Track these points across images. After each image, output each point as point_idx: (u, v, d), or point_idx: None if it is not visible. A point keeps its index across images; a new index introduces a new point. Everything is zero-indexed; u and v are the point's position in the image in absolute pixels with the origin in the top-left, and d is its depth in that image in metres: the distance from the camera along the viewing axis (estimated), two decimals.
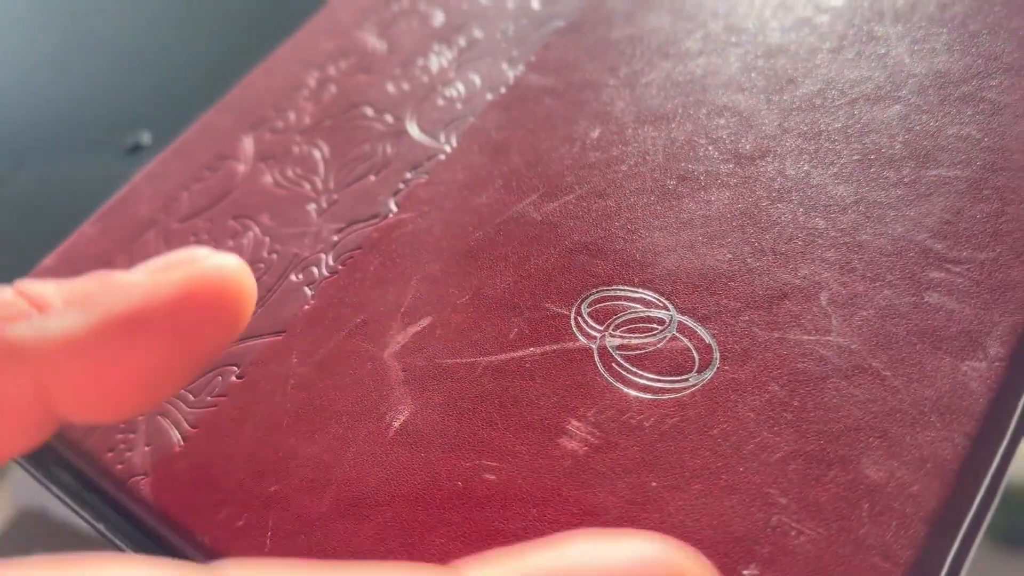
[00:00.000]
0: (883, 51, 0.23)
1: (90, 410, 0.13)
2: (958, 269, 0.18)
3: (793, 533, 0.16)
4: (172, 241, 0.24)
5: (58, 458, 0.22)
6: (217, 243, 0.24)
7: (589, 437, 0.17)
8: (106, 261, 0.24)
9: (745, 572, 0.15)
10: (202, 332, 0.14)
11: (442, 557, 0.17)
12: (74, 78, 0.34)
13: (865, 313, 0.18)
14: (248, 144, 0.26)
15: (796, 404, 0.17)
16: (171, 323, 0.13)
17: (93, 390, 0.13)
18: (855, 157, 0.20)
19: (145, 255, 0.24)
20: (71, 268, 0.25)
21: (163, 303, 0.13)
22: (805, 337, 0.18)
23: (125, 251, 0.24)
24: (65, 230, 0.28)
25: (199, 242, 0.24)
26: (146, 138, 0.31)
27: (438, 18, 0.27)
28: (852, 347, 0.17)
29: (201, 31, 0.34)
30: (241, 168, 0.25)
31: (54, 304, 0.13)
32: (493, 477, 0.17)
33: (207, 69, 0.32)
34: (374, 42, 0.27)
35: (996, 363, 0.17)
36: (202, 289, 0.13)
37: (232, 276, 0.14)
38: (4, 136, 0.33)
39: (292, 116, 0.26)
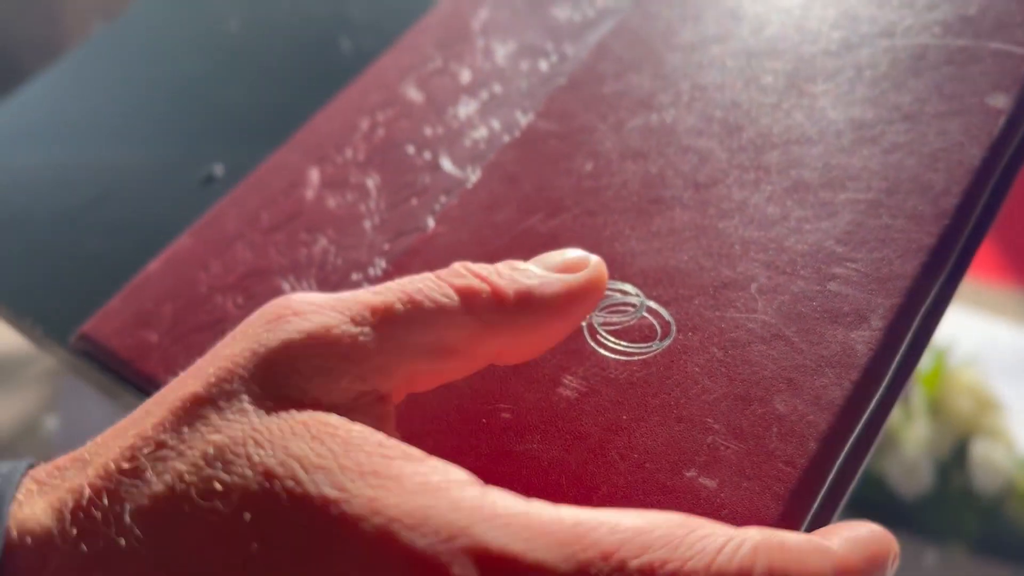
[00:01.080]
0: (812, 104, 0.29)
1: (523, 359, 0.21)
2: (854, 266, 0.25)
3: (722, 448, 0.22)
4: (256, 250, 0.31)
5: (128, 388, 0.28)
6: (293, 251, 0.30)
7: (579, 387, 0.24)
8: (203, 265, 0.31)
9: (687, 474, 0.21)
10: (591, 307, 0.22)
11: (472, 471, 0.23)
12: (158, 119, 0.41)
13: (783, 298, 0.24)
14: (314, 175, 0.33)
15: (729, 361, 0.23)
16: (579, 305, 0.21)
17: (533, 348, 0.21)
18: (784, 185, 0.27)
19: (235, 260, 0.31)
20: (173, 271, 0.31)
21: (574, 293, 0.21)
22: (738, 315, 0.24)
23: (218, 257, 0.31)
24: (151, 247, 0.34)
25: (279, 252, 0.31)
26: (219, 170, 0.38)
27: (466, 76, 0.34)
28: (771, 321, 0.24)
29: (268, 83, 0.41)
30: (309, 194, 0.32)
31: (508, 294, 0.20)
32: (508, 416, 0.24)
33: (272, 114, 0.39)
34: (414, 94, 0.34)
35: (876, 332, 0.23)
36: (594, 281, 0.21)
37: (604, 268, 0.22)
38: (96, 167, 0.40)
39: (349, 153, 0.33)
